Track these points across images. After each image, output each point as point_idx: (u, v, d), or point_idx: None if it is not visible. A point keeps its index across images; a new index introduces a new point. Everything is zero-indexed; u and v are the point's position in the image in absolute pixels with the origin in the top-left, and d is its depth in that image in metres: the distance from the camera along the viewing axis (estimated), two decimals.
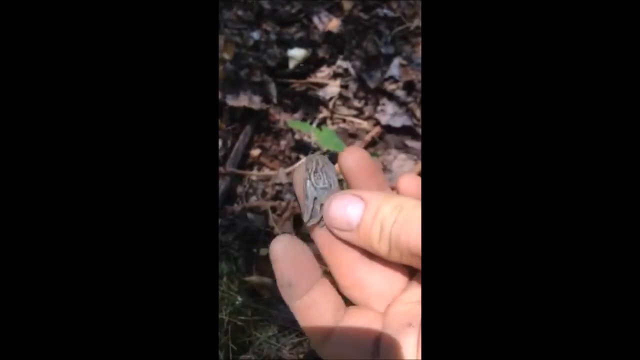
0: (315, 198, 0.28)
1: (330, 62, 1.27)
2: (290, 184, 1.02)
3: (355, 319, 0.28)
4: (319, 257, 0.29)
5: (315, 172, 0.28)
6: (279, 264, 0.27)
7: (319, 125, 1.12)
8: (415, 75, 1.22)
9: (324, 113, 1.17)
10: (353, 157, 0.29)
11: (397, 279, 0.30)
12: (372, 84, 1.20)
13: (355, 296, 0.30)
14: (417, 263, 0.25)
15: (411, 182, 0.30)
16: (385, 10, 1.43)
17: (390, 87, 1.22)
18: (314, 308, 0.28)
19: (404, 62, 1.26)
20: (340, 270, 0.29)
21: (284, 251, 0.27)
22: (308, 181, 0.28)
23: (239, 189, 1.01)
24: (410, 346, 0.26)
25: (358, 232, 0.27)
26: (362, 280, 0.29)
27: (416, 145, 1.10)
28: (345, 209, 0.27)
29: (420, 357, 0.25)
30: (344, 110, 1.19)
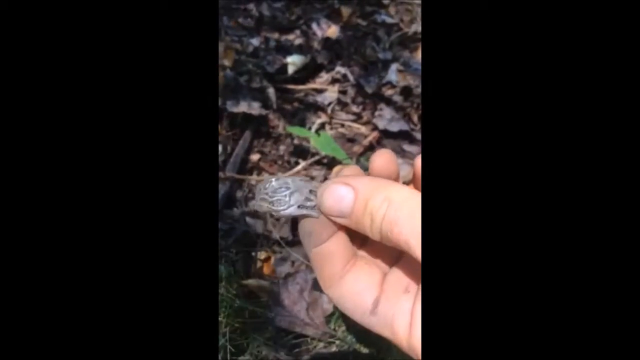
0: (290, 210, 0.29)
1: (328, 68, 1.29)
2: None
3: (360, 275, 0.31)
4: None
5: (271, 203, 0.29)
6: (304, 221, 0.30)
7: (317, 130, 1.13)
8: (413, 81, 1.23)
9: (323, 118, 1.19)
10: (380, 160, 0.31)
11: (389, 255, 0.32)
12: (370, 90, 1.22)
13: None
14: (410, 252, 0.26)
15: (381, 158, 0.32)
16: (384, 16, 1.44)
17: (388, 92, 1.23)
18: (328, 256, 0.30)
19: (402, 67, 1.27)
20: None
21: None
22: (275, 213, 0.29)
23: (239, 194, 1.02)
24: (405, 311, 0.28)
25: (350, 220, 0.28)
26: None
27: (413, 149, 1.11)
28: (337, 199, 0.28)
29: (412, 322, 0.27)
30: (342, 115, 1.20)
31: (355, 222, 0.28)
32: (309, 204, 0.29)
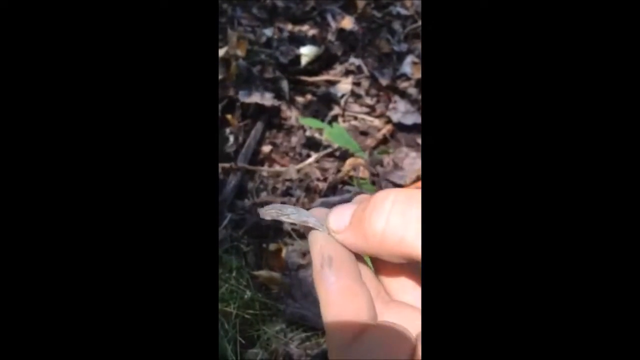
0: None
1: (342, 60, 1.27)
2: (301, 180, 1.02)
3: (393, 318, 0.26)
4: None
5: (280, 210, 0.29)
6: (319, 241, 0.26)
7: (330, 122, 1.12)
8: None
9: (336, 110, 1.17)
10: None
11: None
12: (384, 82, 1.20)
13: None
14: (415, 251, 0.24)
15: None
16: (399, 8, 1.42)
17: (402, 84, 1.21)
18: (355, 296, 0.25)
19: (417, 60, 1.25)
20: None
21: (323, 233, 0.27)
22: (285, 218, 0.29)
23: (250, 185, 1.02)
24: None
25: (350, 226, 0.25)
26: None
27: None
28: (341, 211, 0.26)
29: None
30: (355, 108, 1.19)
31: (354, 227, 0.25)
32: (313, 220, 0.28)
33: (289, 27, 1.35)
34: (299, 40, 1.30)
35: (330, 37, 1.32)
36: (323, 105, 1.17)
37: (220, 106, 1.11)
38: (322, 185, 1.00)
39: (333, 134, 1.03)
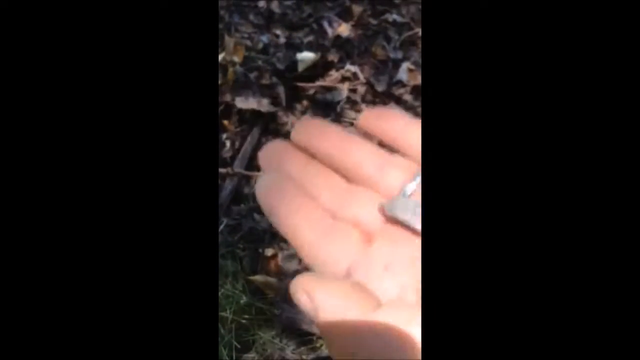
0: None
1: (339, 66, 1.28)
2: None
3: (339, 237, 0.26)
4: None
5: None
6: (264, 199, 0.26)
7: None
8: None
9: (332, 116, 1.18)
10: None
11: (355, 244, 0.27)
12: (380, 88, 1.21)
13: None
14: None
15: (372, 118, 0.28)
16: (395, 16, 1.44)
17: (398, 91, 1.22)
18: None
19: (412, 67, 1.26)
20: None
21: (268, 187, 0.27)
22: None
23: (246, 190, 1.02)
24: (382, 288, 0.24)
25: None
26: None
27: None
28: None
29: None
30: (351, 114, 1.20)
31: None
32: None
33: (286, 33, 1.36)
34: (296, 46, 1.31)
35: (327, 43, 1.32)
36: (319, 111, 1.18)
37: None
38: None
39: None
